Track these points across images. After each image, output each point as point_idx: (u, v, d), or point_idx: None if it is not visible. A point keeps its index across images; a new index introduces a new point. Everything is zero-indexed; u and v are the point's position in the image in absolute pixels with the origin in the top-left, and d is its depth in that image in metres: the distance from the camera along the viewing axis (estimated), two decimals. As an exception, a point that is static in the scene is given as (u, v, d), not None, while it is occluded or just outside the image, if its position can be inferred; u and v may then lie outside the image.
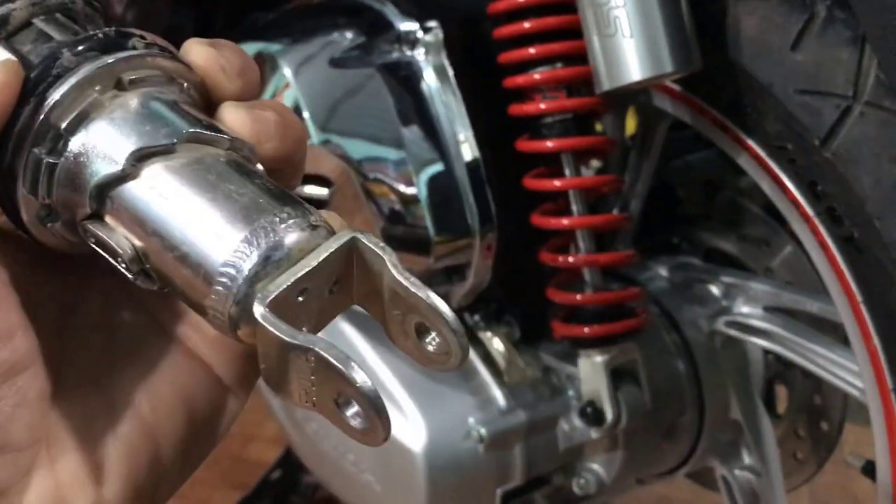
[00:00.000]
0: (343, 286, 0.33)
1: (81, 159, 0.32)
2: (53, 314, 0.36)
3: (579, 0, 0.68)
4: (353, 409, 0.30)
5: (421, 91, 0.75)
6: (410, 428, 0.84)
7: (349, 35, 0.80)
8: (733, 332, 0.88)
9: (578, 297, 0.78)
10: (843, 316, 0.71)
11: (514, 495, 0.89)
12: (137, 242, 0.32)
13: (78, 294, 0.37)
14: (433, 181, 0.75)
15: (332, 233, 0.32)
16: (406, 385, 0.85)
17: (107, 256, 0.33)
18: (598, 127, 0.89)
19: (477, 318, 0.87)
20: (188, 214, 0.31)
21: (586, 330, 0.78)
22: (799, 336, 0.83)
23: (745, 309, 0.88)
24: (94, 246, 0.33)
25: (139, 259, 0.32)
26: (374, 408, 0.29)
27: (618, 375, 0.81)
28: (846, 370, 0.78)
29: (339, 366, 0.29)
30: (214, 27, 0.96)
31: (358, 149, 0.75)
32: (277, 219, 0.31)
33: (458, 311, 0.87)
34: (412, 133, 0.75)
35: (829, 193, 0.66)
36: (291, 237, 0.31)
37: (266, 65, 0.78)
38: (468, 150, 0.76)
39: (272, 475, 1.68)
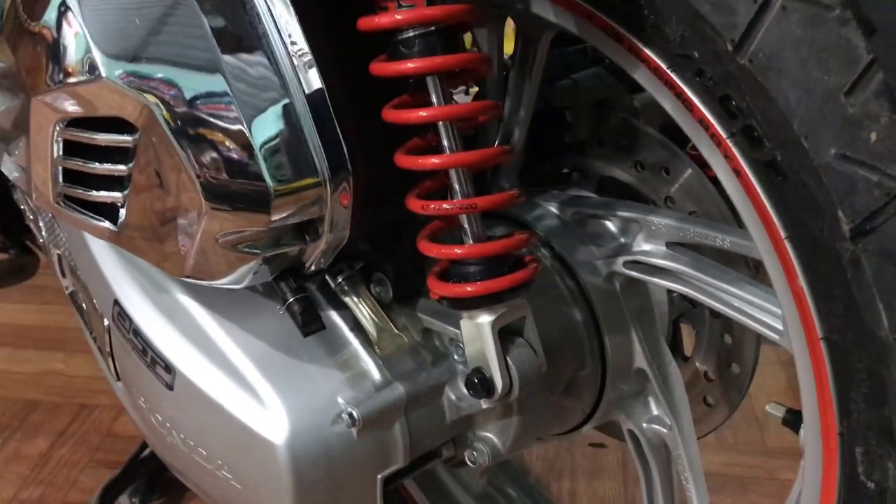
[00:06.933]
0: None
1: None
2: None
3: None
4: None
5: (244, 4, 0.59)
6: (268, 416, 0.70)
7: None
8: (634, 273, 0.78)
9: (457, 250, 0.66)
10: (762, 253, 0.60)
11: (397, 476, 0.77)
12: None
13: None
14: (267, 118, 0.60)
15: None
16: (260, 365, 0.72)
17: None
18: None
19: (340, 280, 0.74)
20: None
21: (468, 289, 0.65)
22: (707, 275, 0.73)
23: (646, 246, 0.77)
24: None
25: None
26: None
27: (506, 335, 0.69)
28: (763, 311, 0.69)
29: None
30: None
31: (165, 82, 0.59)
32: None
33: (318, 274, 0.73)
34: (235, 58, 0.59)
35: (745, 110, 0.55)
36: None
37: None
38: (309, 78, 0.61)
39: (144, 452, 1.53)
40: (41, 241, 1.05)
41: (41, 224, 1.02)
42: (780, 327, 0.66)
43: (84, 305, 0.93)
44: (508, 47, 0.80)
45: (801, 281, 0.57)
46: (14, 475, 1.57)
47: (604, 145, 0.87)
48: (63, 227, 0.93)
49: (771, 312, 0.68)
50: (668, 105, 0.62)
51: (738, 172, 0.58)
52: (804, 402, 0.63)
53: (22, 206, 1.10)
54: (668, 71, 0.60)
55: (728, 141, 0.58)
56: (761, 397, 1.53)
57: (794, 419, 0.71)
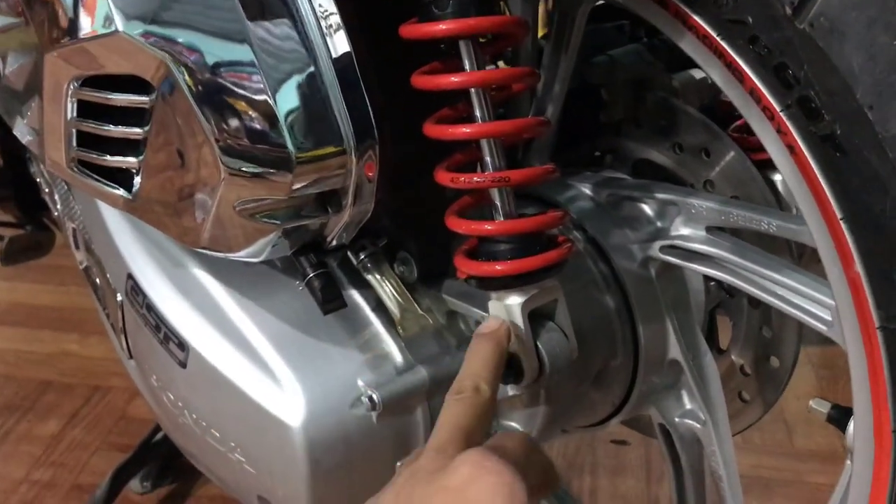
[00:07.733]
0: None
1: None
2: None
3: None
4: None
5: (268, -40, 0.56)
6: (285, 397, 0.67)
7: None
8: (672, 259, 0.74)
9: (488, 226, 0.62)
10: (815, 236, 0.57)
11: (418, 466, 0.74)
12: None
13: None
14: (291, 83, 0.56)
15: None
16: (277, 344, 0.68)
17: None
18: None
19: (363, 256, 0.70)
20: None
21: (498, 267, 0.62)
22: (750, 261, 0.69)
23: (684, 230, 0.73)
24: None
25: None
26: None
27: (537, 318, 0.65)
28: (810, 300, 0.65)
29: None
30: None
31: (187, 43, 0.56)
32: None
33: (340, 250, 0.70)
34: (260, 21, 0.56)
35: (802, 79, 0.51)
36: None
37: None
38: (336, 41, 0.58)
39: (157, 435, 1.51)
40: (56, 214, 1.03)
41: (56, 197, 0.99)
42: (829, 318, 0.62)
43: (98, 281, 0.90)
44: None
45: (858, 266, 0.54)
46: (26, 455, 1.56)
47: (641, 126, 0.83)
48: (78, 198, 0.90)
49: (819, 301, 0.63)
50: (717, 76, 0.58)
51: (791, 148, 0.55)
52: (855, 397, 0.59)
53: (38, 180, 1.08)
54: (719, 38, 0.56)
55: (782, 114, 0.54)
56: (790, 399, 1.49)
57: (840, 416, 0.67)
